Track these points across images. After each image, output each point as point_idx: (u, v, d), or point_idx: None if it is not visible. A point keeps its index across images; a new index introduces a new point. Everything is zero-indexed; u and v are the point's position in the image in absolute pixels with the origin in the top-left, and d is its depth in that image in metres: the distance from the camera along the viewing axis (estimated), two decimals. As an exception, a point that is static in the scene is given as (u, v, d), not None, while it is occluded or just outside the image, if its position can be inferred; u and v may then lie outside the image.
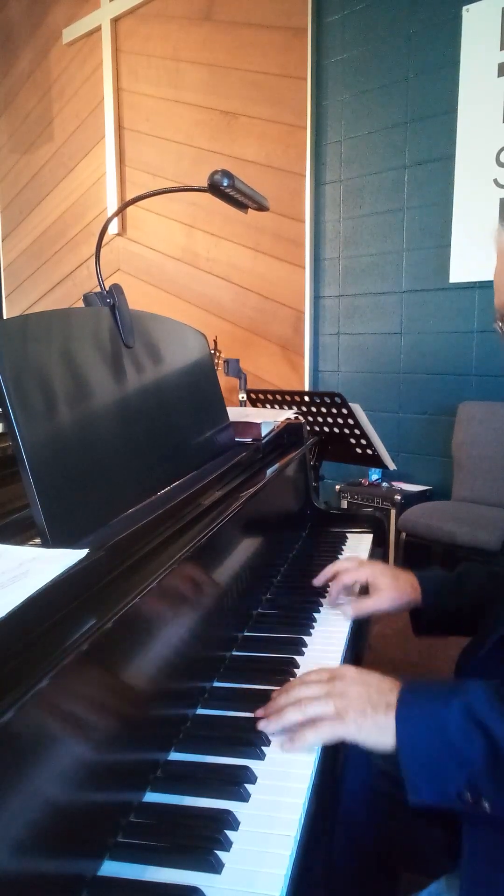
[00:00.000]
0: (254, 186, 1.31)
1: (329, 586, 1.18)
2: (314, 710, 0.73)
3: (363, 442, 2.20)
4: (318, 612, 1.11)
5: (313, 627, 1.06)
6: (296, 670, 0.91)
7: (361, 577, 1.12)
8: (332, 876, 0.87)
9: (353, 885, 0.91)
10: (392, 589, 1.07)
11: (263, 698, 0.83)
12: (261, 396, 2.52)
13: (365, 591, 1.12)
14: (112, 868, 0.58)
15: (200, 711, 0.82)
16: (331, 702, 0.73)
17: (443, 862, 0.93)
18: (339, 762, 0.76)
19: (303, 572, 1.30)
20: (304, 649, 0.98)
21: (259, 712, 0.76)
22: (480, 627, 1.00)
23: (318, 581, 1.17)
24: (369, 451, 2.22)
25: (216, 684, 0.88)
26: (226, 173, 1.18)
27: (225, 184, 1.19)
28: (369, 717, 0.71)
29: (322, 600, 1.16)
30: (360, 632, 1.10)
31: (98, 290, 0.98)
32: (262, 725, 0.75)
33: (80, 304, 0.99)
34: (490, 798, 0.64)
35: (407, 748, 0.68)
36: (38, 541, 0.69)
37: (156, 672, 0.71)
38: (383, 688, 0.74)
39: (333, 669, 0.79)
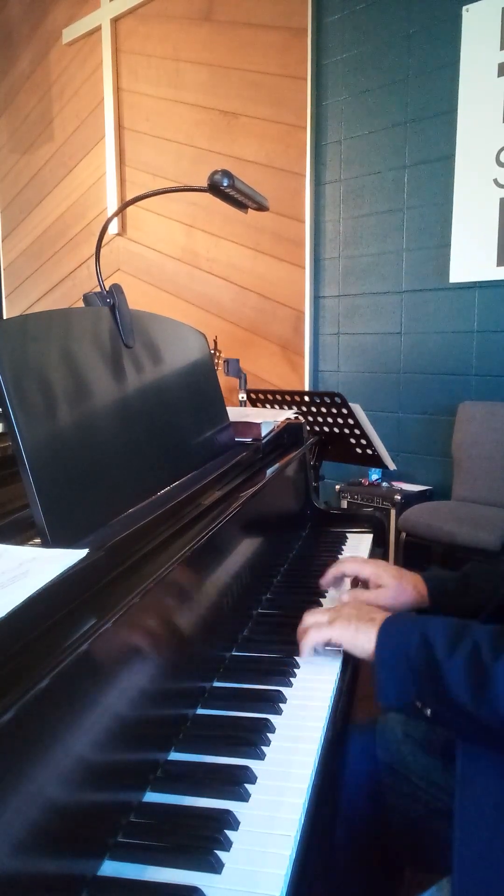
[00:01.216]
0: (254, 186, 1.31)
1: (328, 588, 1.18)
2: (311, 620, 0.92)
3: (363, 442, 2.20)
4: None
5: (313, 627, 1.06)
6: (296, 670, 0.91)
7: (364, 573, 1.11)
8: (333, 875, 0.87)
9: (355, 883, 0.91)
10: (395, 587, 1.07)
11: (263, 698, 0.84)
12: (261, 396, 2.52)
13: (365, 586, 1.12)
14: (112, 868, 0.58)
15: (200, 711, 0.82)
16: (326, 614, 0.91)
17: (447, 858, 0.93)
18: (339, 762, 0.76)
19: (303, 572, 1.30)
20: (304, 649, 0.98)
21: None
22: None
23: (324, 581, 1.16)
24: (369, 451, 2.22)
25: (216, 684, 0.88)
26: (226, 173, 1.18)
27: (225, 184, 1.19)
28: (353, 625, 0.87)
29: (322, 600, 1.16)
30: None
31: (98, 290, 0.98)
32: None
33: (80, 304, 0.99)
34: (430, 705, 0.78)
35: (379, 656, 0.83)
36: (38, 541, 0.69)
37: (156, 672, 0.71)
38: (372, 610, 0.91)
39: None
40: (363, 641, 0.85)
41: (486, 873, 0.70)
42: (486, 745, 0.77)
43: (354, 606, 0.93)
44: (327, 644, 0.91)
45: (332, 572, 1.15)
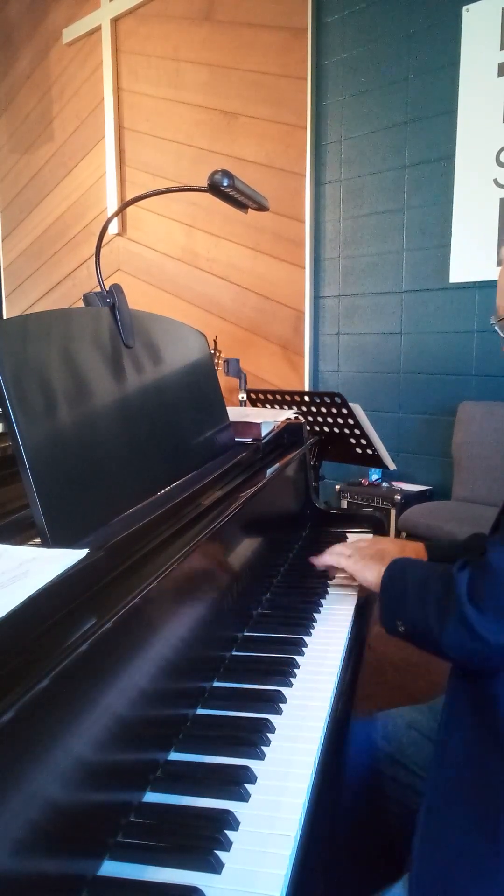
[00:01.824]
0: (254, 186, 1.31)
1: (329, 586, 1.18)
2: (334, 549, 1.15)
3: (363, 442, 2.20)
4: (319, 612, 1.11)
5: (313, 627, 1.06)
6: (296, 670, 0.91)
7: (371, 549, 1.15)
8: (333, 874, 0.87)
9: (355, 879, 0.91)
10: (399, 554, 1.12)
11: (263, 698, 0.84)
12: (261, 396, 2.52)
13: None
14: (112, 868, 0.58)
15: (200, 711, 0.82)
16: (348, 549, 1.13)
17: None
18: (339, 762, 0.76)
19: (303, 572, 1.30)
20: (304, 649, 0.98)
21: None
22: None
23: (314, 560, 1.20)
24: (369, 451, 2.22)
25: (216, 684, 0.88)
26: (226, 173, 1.18)
27: (225, 184, 1.19)
28: (366, 560, 1.06)
29: (322, 600, 1.16)
30: (361, 632, 1.10)
31: (98, 290, 0.98)
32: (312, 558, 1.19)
33: (80, 304, 0.99)
34: (402, 619, 0.90)
35: (383, 586, 0.96)
36: (38, 541, 0.69)
37: (156, 672, 0.71)
38: (387, 549, 1.11)
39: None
40: (370, 574, 1.02)
41: (442, 875, 0.72)
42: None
43: (371, 546, 1.12)
44: (339, 572, 1.15)
45: (324, 560, 1.17)
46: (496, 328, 0.96)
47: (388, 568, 0.97)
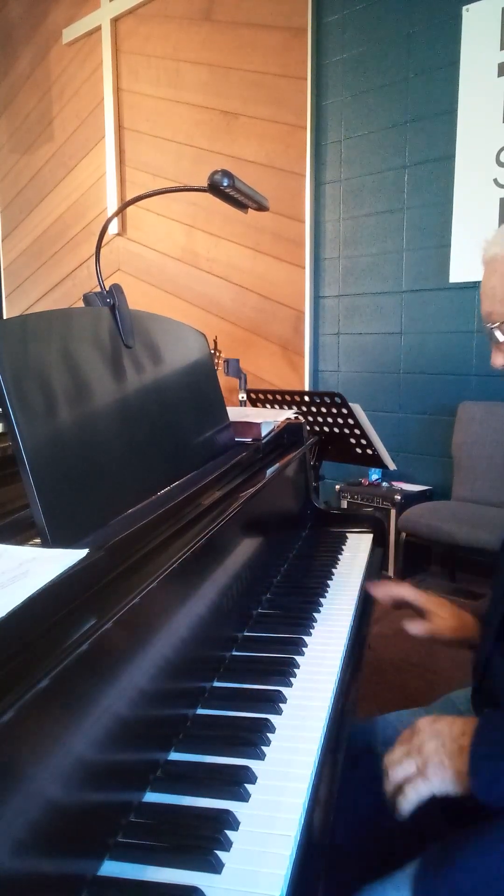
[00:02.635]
0: (254, 186, 1.31)
1: (328, 586, 1.18)
2: (398, 775, 0.78)
3: (363, 442, 2.20)
4: (319, 612, 1.11)
5: (313, 627, 1.06)
6: (296, 670, 0.91)
7: (420, 602, 1.10)
8: (333, 874, 0.87)
9: (355, 881, 0.91)
10: (454, 616, 1.07)
11: (263, 698, 0.84)
12: (261, 396, 2.52)
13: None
14: (112, 868, 0.58)
15: (200, 711, 0.82)
16: (412, 762, 0.78)
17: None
18: (338, 762, 0.76)
19: (303, 572, 1.30)
20: (304, 649, 0.98)
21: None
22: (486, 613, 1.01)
23: (378, 593, 1.14)
24: (369, 451, 2.22)
25: (216, 684, 0.88)
26: (226, 173, 1.18)
27: (225, 184, 1.19)
28: (448, 769, 0.76)
29: (322, 600, 1.16)
30: (361, 632, 1.10)
31: (98, 290, 0.98)
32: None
33: (80, 304, 0.99)
34: None
35: (483, 794, 0.72)
36: (38, 541, 0.69)
37: (156, 672, 0.71)
38: (454, 733, 0.79)
39: (412, 725, 0.83)
40: (465, 781, 0.74)
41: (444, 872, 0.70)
42: None
43: (432, 734, 0.79)
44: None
45: (387, 591, 1.13)
46: (495, 332, 0.92)
47: (474, 769, 0.73)
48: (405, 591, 1.12)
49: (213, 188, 1.21)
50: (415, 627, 1.06)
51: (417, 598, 1.11)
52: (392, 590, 1.13)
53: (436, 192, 3.07)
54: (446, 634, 1.06)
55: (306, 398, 2.23)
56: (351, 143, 3.35)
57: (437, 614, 1.07)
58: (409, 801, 0.76)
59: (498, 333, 0.93)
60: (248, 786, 0.68)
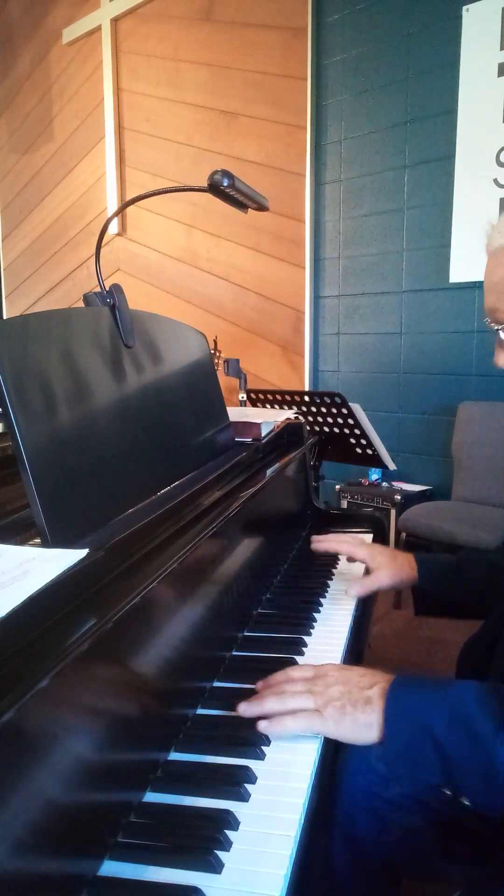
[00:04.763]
0: (254, 186, 1.31)
1: (328, 586, 1.19)
2: (294, 703, 0.75)
3: (363, 442, 2.20)
4: (319, 612, 1.11)
5: (313, 627, 1.06)
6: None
7: (358, 554, 1.15)
8: (333, 876, 0.87)
9: (354, 888, 0.91)
10: (390, 566, 1.11)
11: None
12: (261, 396, 2.52)
13: (367, 573, 1.15)
14: (112, 868, 0.58)
15: (200, 711, 0.82)
16: (311, 698, 0.75)
17: (443, 867, 0.93)
18: (338, 764, 0.76)
19: (303, 572, 1.30)
20: (304, 649, 0.98)
21: (243, 704, 0.78)
22: (485, 625, 1.01)
23: (316, 545, 1.20)
24: (369, 451, 2.22)
25: (216, 684, 0.88)
26: (226, 173, 1.18)
27: (225, 184, 1.19)
28: (348, 714, 0.73)
29: (322, 600, 1.16)
30: (361, 631, 1.10)
31: (98, 290, 0.98)
32: (241, 709, 0.77)
33: (80, 304, 0.99)
34: (470, 794, 0.67)
35: (392, 743, 0.70)
36: (38, 541, 0.69)
37: (156, 672, 0.71)
38: (363, 684, 0.76)
39: (317, 667, 0.81)
40: (365, 734, 0.72)
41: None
42: None
43: (340, 680, 0.76)
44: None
45: (326, 546, 1.18)
46: (501, 333, 0.89)
47: (391, 713, 0.71)
48: (343, 547, 1.16)
49: (213, 188, 1.20)
50: (353, 590, 1.09)
51: (354, 553, 1.16)
52: (331, 545, 1.18)
53: (436, 192, 3.07)
54: (386, 582, 1.10)
55: (306, 398, 2.23)
56: (351, 143, 3.35)
57: (376, 565, 1.11)
58: (297, 725, 0.74)
59: (502, 334, 0.91)
60: (248, 786, 0.68)
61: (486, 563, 1.11)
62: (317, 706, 0.74)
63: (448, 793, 0.67)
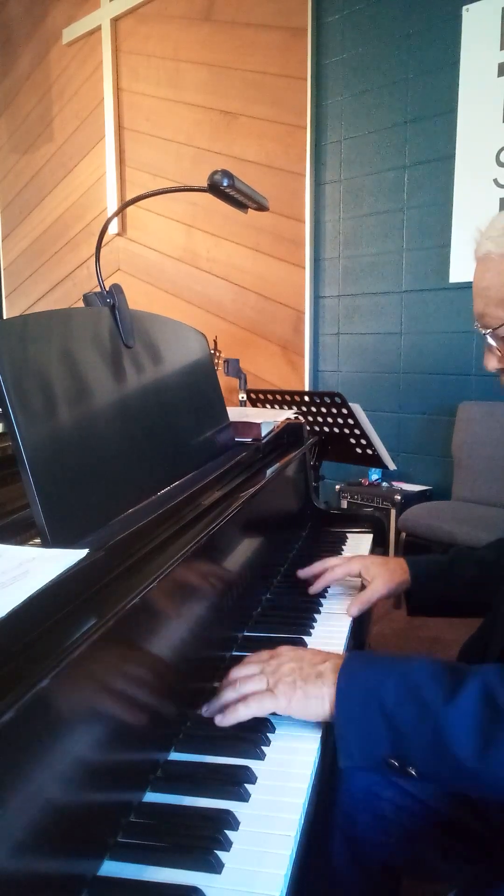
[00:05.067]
0: (254, 186, 1.31)
1: (328, 586, 1.18)
2: (247, 688, 0.76)
3: (363, 442, 2.20)
4: (319, 612, 1.11)
5: (313, 627, 1.06)
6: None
7: (353, 570, 1.14)
8: (333, 877, 0.87)
9: (354, 888, 0.91)
10: (384, 575, 1.10)
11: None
12: (261, 396, 2.52)
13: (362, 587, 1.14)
14: (112, 868, 0.58)
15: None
16: (263, 678, 0.77)
17: (443, 867, 0.93)
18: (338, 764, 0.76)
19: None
20: (304, 649, 0.98)
21: (204, 705, 0.79)
22: (481, 626, 1.01)
23: (303, 574, 1.18)
24: (369, 451, 2.22)
25: (216, 684, 0.88)
26: (226, 173, 1.18)
27: (225, 184, 1.19)
28: (299, 688, 0.74)
29: (322, 600, 1.16)
30: (360, 632, 1.10)
31: (98, 290, 0.98)
32: (203, 710, 0.78)
33: (80, 304, 0.99)
34: (416, 762, 0.67)
35: (343, 716, 0.71)
36: (38, 541, 0.68)
37: (156, 672, 0.71)
38: (315, 660, 0.77)
39: (272, 651, 0.82)
40: (316, 706, 0.73)
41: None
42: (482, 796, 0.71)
43: (293, 658, 0.78)
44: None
45: (322, 582, 1.16)
46: (488, 337, 0.89)
47: (343, 685, 0.72)
48: (337, 574, 1.14)
49: (213, 188, 1.20)
50: (353, 609, 1.08)
51: (350, 572, 1.14)
52: (325, 579, 1.15)
53: (436, 192, 3.07)
54: (383, 592, 1.09)
55: (306, 398, 2.23)
56: (351, 143, 3.36)
57: (370, 577, 1.10)
58: (249, 711, 0.74)
59: (490, 338, 0.91)
60: (248, 786, 0.68)
61: (475, 561, 1.12)
62: (269, 686, 0.75)
63: (395, 763, 0.68)
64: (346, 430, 2.19)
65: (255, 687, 0.76)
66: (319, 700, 0.73)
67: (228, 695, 0.77)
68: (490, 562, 1.10)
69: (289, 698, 0.74)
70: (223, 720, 0.74)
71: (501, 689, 0.66)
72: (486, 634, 0.98)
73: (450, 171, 2.99)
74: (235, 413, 1.42)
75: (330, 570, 1.15)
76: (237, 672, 0.80)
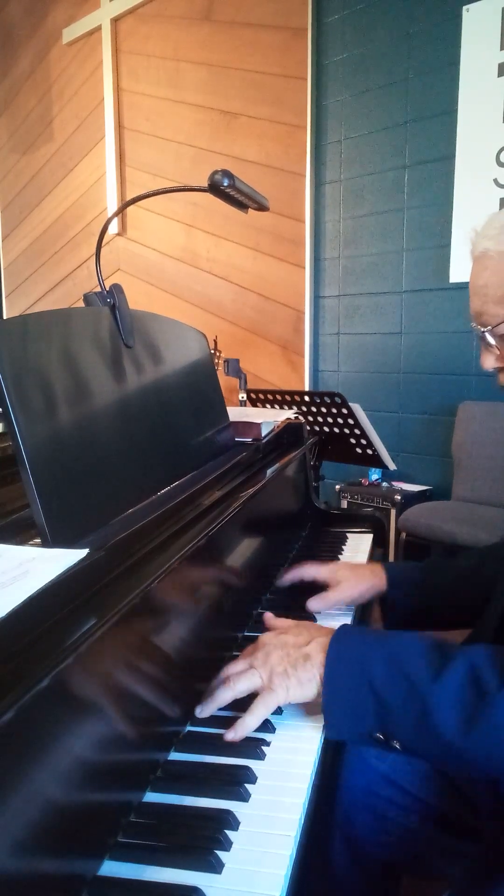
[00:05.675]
0: (254, 186, 1.31)
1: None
2: (243, 686, 0.76)
3: (363, 442, 2.20)
4: (319, 612, 1.11)
5: (313, 627, 1.06)
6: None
7: (321, 574, 1.14)
8: (333, 876, 0.87)
9: (354, 887, 0.91)
10: (351, 579, 1.10)
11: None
12: (261, 396, 2.52)
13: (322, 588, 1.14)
14: (112, 868, 0.58)
15: (201, 711, 0.82)
16: (256, 673, 0.77)
17: (442, 866, 0.93)
18: (338, 764, 0.76)
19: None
20: (304, 649, 0.98)
21: (198, 707, 0.78)
22: (477, 626, 1.01)
23: (282, 582, 1.18)
24: (369, 451, 2.22)
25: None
26: (226, 173, 1.18)
27: (225, 184, 1.19)
28: (292, 676, 0.75)
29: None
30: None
31: (98, 290, 0.98)
32: (198, 711, 0.77)
33: (80, 304, 0.99)
34: (402, 738, 0.69)
35: (330, 690, 0.72)
36: (38, 541, 0.68)
37: (156, 672, 0.71)
38: (299, 641, 0.78)
39: (257, 641, 0.82)
40: (311, 689, 0.74)
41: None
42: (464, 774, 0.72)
43: (277, 645, 0.78)
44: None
45: (290, 576, 1.17)
46: (486, 335, 0.89)
47: (331, 661, 0.73)
48: (306, 572, 1.15)
49: (214, 188, 1.20)
50: (314, 604, 1.08)
51: (319, 574, 1.14)
52: (294, 573, 1.16)
53: (436, 192, 3.07)
54: (346, 595, 1.09)
55: (306, 398, 2.23)
56: (351, 143, 3.35)
57: (337, 580, 1.10)
58: (256, 722, 0.74)
59: (489, 336, 0.91)
60: (248, 786, 0.68)
61: (454, 571, 1.11)
62: (264, 683, 0.76)
63: (381, 737, 0.69)
64: (346, 430, 2.19)
65: (249, 683, 0.76)
66: (310, 682, 0.74)
67: (224, 694, 0.77)
68: (468, 573, 1.09)
69: (286, 688, 0.75)
70: (234, 735, 0.73)
71: (487, 669, 0.67)
72: (479, 633, 0.98)
73: (450, 171, 2.99)
74: (235, 413, 1.42)
75: (300, 568, 1.16)
76: (228, 670, 0.80)
